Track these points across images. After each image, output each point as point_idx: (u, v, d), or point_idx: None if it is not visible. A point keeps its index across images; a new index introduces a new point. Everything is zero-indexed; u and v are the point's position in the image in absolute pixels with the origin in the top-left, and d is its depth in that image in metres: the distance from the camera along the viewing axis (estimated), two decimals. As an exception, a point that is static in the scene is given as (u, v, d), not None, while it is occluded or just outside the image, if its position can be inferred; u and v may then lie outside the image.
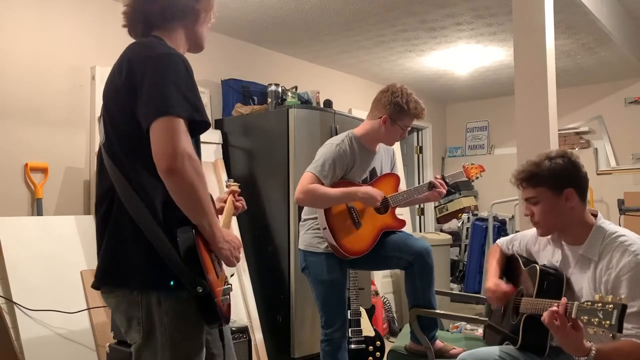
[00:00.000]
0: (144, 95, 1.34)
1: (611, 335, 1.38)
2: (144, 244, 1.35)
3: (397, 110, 2.49)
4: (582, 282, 1.80)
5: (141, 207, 1.35)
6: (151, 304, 1.38)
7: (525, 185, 1.84)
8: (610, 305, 1.40)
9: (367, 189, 2.46)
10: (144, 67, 1.37)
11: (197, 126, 1.40)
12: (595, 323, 1.41)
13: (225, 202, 1.75)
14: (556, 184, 1.78)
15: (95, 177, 1.46)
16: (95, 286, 1.47)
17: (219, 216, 1.66)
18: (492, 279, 2.08)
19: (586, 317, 1.45)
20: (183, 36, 1.54)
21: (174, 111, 1.32)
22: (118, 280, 1.42)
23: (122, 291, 1.42)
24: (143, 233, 1.35)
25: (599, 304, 1.43)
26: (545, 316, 1.57)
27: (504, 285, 2.01)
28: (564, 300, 1.55)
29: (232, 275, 1.67)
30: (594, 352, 1.50)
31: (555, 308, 1.54)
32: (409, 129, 2.61)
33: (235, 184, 1.97)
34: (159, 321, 1.39)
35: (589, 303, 1.46)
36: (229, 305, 1.49)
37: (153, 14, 1.49)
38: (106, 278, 1.44)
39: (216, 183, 3.84)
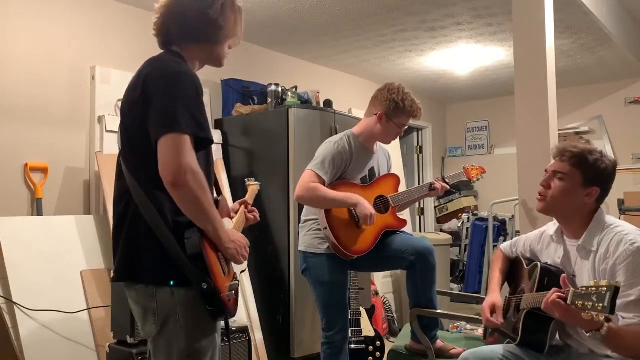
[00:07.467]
0: (154, 111, 1.45)
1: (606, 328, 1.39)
2: (156, 244, 1.47)
3: (393, 107, 2.51)
4: (583, 273, 1.82)
5: (154, 213, 1.47)
6: (165, 295, 1.49)
7: (566, 159, 1.84)
8: (604, 288, 1.41)
9: (365, 202, 2.40)
10: (157, 83, 1.47)
11: (202, 142, 1.51)
12: (589, 307, 1.42)
13: (236, 212, 1.83)
14: (592, 177, 1.81)
15: (114, 179, 1.60)
16: (115, 280, 1.59)
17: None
18: (493, 297, 2.04)
19: (580, 302, 1.46)
20: (201, 55, 1.64)
21: (180, 128, 1.42)
22: (135, 276, 1.53)
23: (139, 285, 1.53)
24: (156, 234, 1.47)
25: (593, 288, 1.44)
26: (543, 303, 1.60)
27: (500, 318, 1.98)
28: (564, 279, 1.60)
29: (242, 272, 1.76)
30: (606, 328, 1.49)
31: (551, 297, 1.57)
32: (405, 127, 2.62)
33: (256, 183, 2.04)
34: (172, 310, 1.49)
35: (584, 288, 1.48)
36: (235, 300, 1.60)
37: (172, 32, 1.61)
38: (124, 274, 1.55)
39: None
